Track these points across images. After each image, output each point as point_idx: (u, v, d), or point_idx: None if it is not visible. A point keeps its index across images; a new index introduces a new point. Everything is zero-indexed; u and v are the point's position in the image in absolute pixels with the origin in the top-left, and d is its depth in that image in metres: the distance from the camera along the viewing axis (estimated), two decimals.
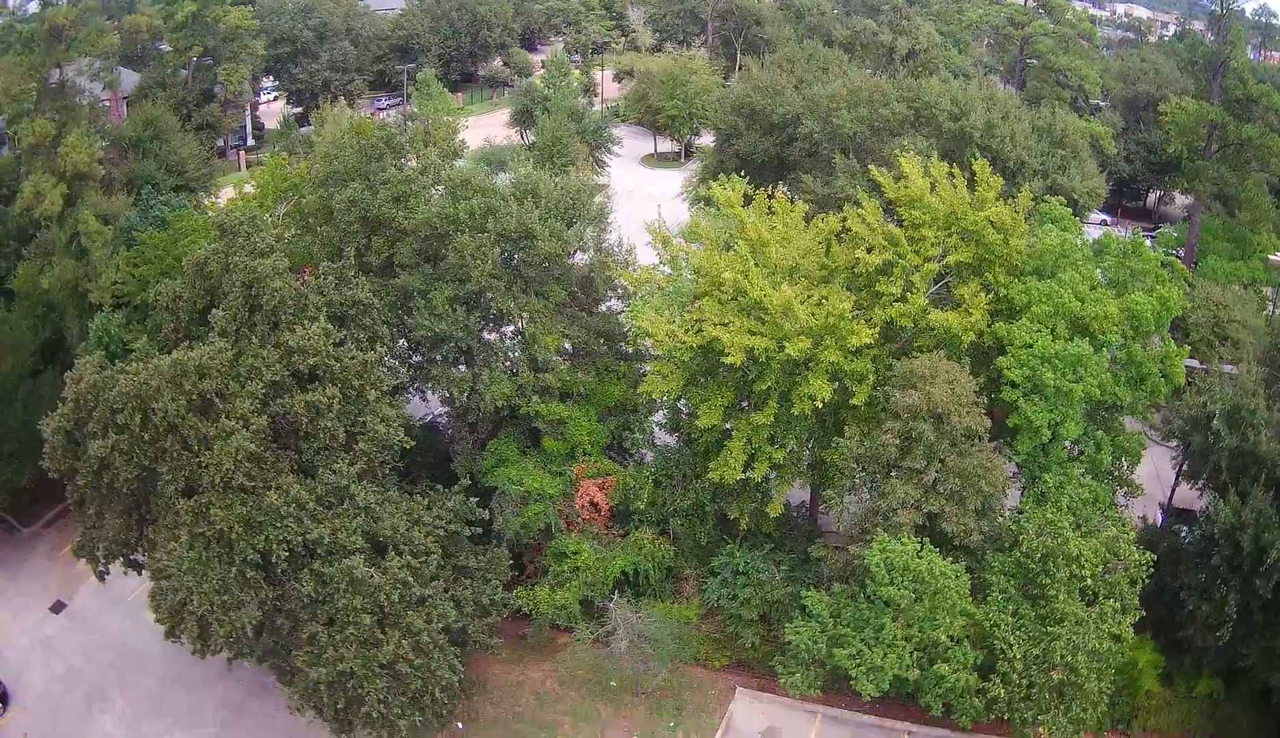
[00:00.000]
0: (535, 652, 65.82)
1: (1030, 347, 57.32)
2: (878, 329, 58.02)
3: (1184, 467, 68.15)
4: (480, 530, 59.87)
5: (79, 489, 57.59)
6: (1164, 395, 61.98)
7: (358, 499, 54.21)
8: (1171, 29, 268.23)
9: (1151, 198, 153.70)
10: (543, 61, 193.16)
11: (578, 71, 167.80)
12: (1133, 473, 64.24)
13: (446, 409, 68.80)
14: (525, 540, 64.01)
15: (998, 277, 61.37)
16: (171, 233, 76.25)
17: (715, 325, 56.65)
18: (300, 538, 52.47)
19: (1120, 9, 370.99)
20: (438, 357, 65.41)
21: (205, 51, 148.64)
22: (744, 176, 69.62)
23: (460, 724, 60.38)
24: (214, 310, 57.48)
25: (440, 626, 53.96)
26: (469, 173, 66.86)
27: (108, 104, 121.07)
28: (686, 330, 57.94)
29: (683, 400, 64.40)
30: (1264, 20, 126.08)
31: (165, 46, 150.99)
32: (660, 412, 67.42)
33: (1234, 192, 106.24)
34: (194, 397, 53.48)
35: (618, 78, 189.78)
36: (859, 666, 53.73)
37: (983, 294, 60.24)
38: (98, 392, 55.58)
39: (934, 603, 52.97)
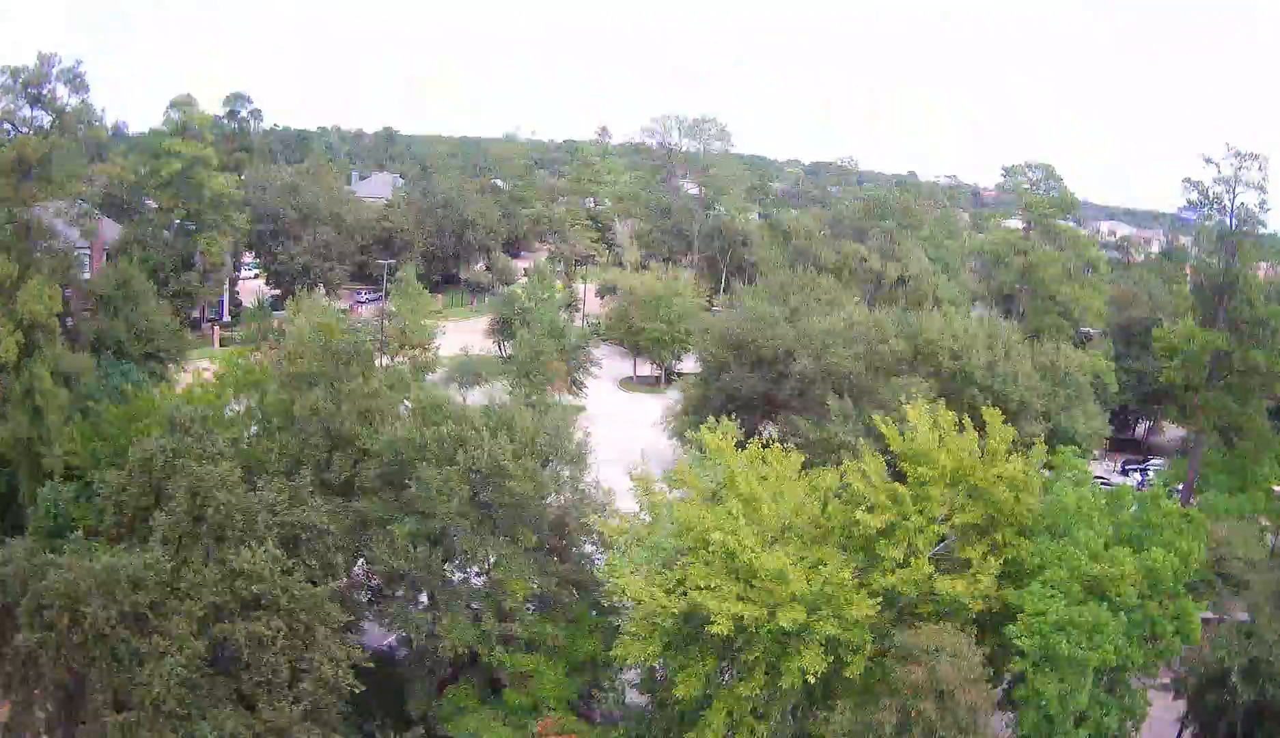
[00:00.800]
0: None
1: (1042, 614, 52.73)
2: (878, 600, 53.29)
3: (1192, 725, 63.25)
4: None
5: (5, 673, 52.31)
6: (1178, 652, 57.55)
7: None
8: (1155, 246, 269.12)
9: (1141, 428, 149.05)
10: (525, 269, 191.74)
11: (560, 283, 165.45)
12: (1137, 733, 58.84)
13: (403, 648, 63.12)
14: None
15: (1007, 536, 57.32)
16: (129, 410, 71.65)
17: (700, 589, 51.93)
18: None
19: (1104, 226, 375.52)
20: (396, 593, 60.11)
21: (188, 215, 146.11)
22: (732, 416, 65.35)
23: None
24: (157, 512, 52.76)
25: None
26: (439, 396, 62.96)
27: (87, 253, 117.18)
28: (668, 592, 53.03)
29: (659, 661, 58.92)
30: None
31: (151, 202, 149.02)
32: (633, 669, 61.98)
33: (1237, 421, 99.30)
34: (126, 608, 48.67)
35: (600, 293, 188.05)
36: None
37: (992, 558, 55.83)
38: (24, 581, 50.99)
39: None
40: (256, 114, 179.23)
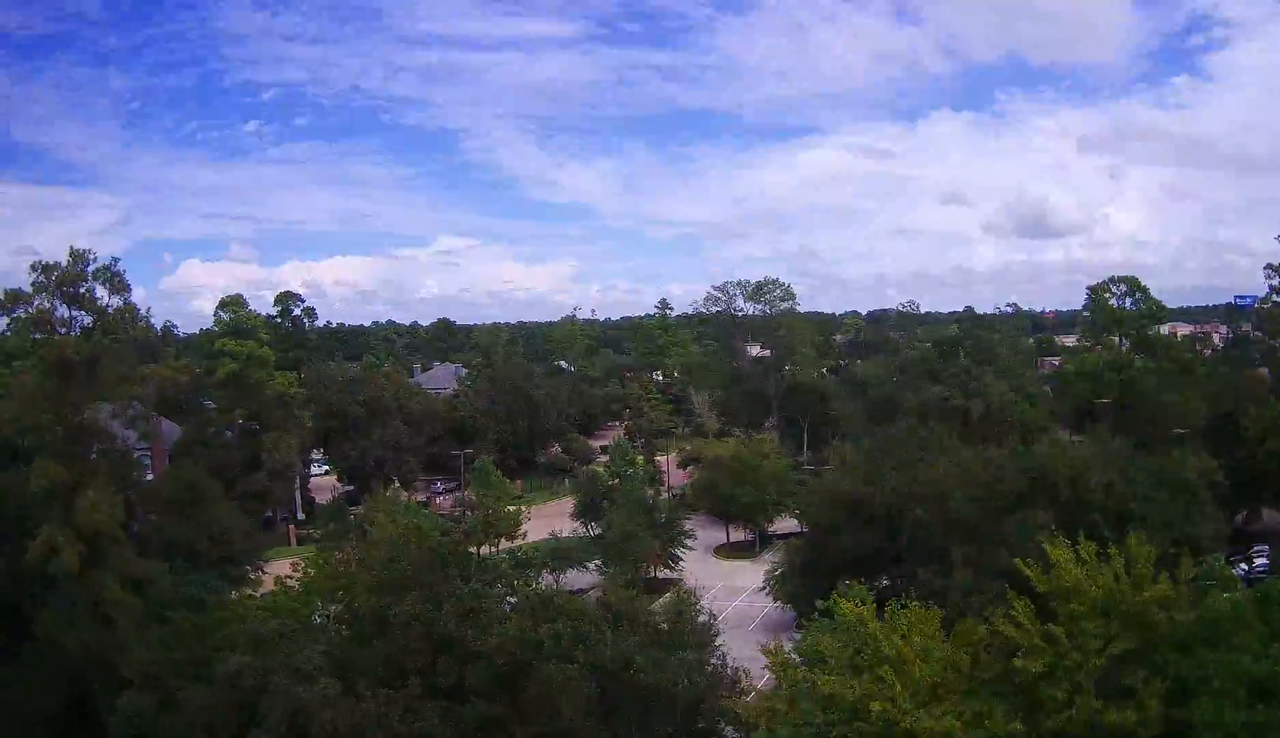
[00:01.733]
0: None
1: (1220, 724, 47.57)
2: None
3: None
4: None
5: None
6: None
7: None
8: (1216, 338, 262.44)
9: (1238, 518, 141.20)
10: (602, 447, 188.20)
11: (641, 458, 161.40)
12: None
13: None
14: None
15: (1166, 655, 51.76)
16: (208, 619, 67.70)
17: None
18: None
19: (1164, 330, 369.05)
20: None
21: (250, 415, 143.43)
22: (848, 577, 60.65)
23: None
24: (253, 730, 48.87)
25: None
26: (550, 592, 58.63)
27: (148, 456, 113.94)
28: None
29: None
30: None
31: (209, 403, 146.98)
32: None
33: None
34: None
35: (682, 465, 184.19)
36: None
37: (1155, 680, 50.51)
38: None
39: None
40: (310, 313, 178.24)
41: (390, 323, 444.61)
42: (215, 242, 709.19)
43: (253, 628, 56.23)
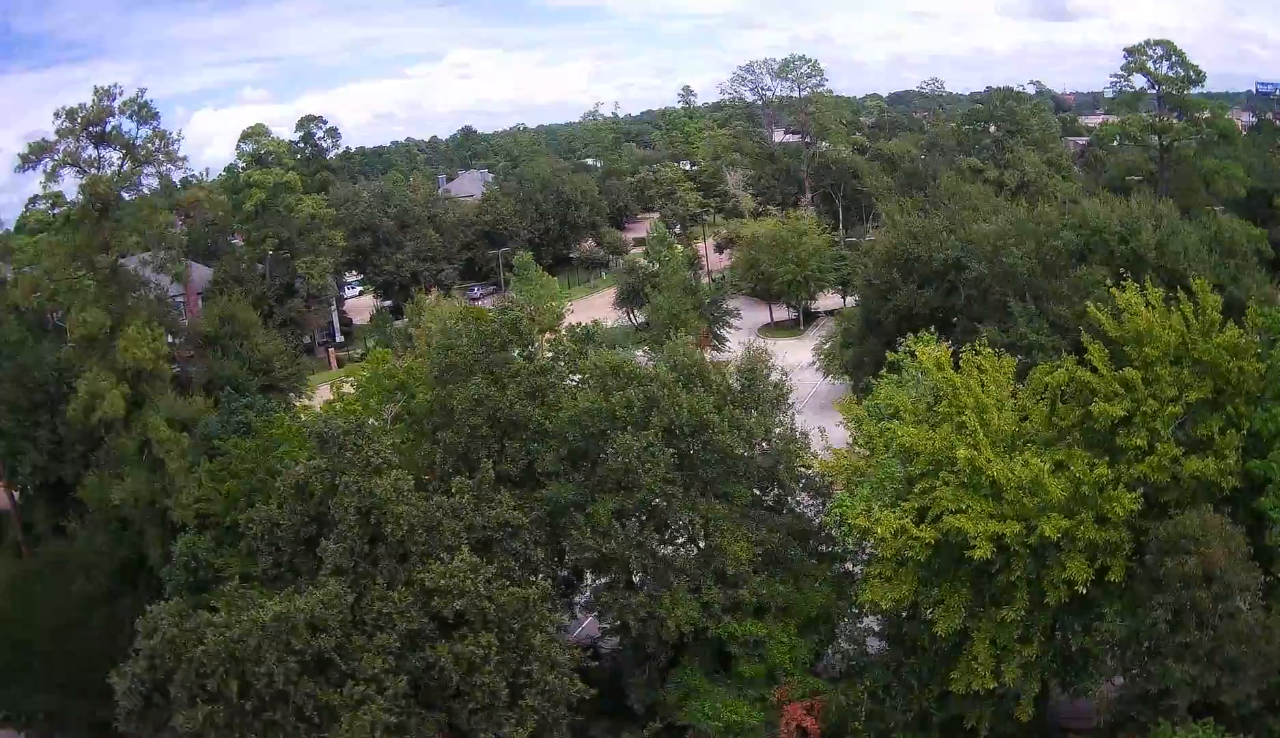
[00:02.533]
0: None
1: None
2: (1139, 494, 47.16)
3: None
4: None
5: None
6: None
7: None
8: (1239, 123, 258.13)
9: None
10: (636, 239, 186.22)
11: (679, 245, 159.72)
12: None
13: (616, 638, 57.90)
14: None
15: (1239, 408, 50.44)
16: (260, 442, 65.01)
17: (953, 513, 46.15)
18: None
19: None
20: (605, 580, 54.74)
21: (281, 244, 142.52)
22: (918, 333, 59.34)
23: None
24: (323, 541, 47.59)
25: None
26: (619, 359, 57.27)
27: (181, 300, 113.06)
28: (917, 522, 47.36)
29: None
30: None
31: (238, 240, 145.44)
32: (870, 616, 56.40)
33: None
34: (308, 657, 43.28)
35: (720, 247, 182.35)
36: None
37: (1231, 431, 49.41)
38: (178, 650, 44.54)
39: None
40: (333, 133, 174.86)
41: (410, 141, 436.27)
42: (226, 89, 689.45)
43: (316, 427, 54.18)
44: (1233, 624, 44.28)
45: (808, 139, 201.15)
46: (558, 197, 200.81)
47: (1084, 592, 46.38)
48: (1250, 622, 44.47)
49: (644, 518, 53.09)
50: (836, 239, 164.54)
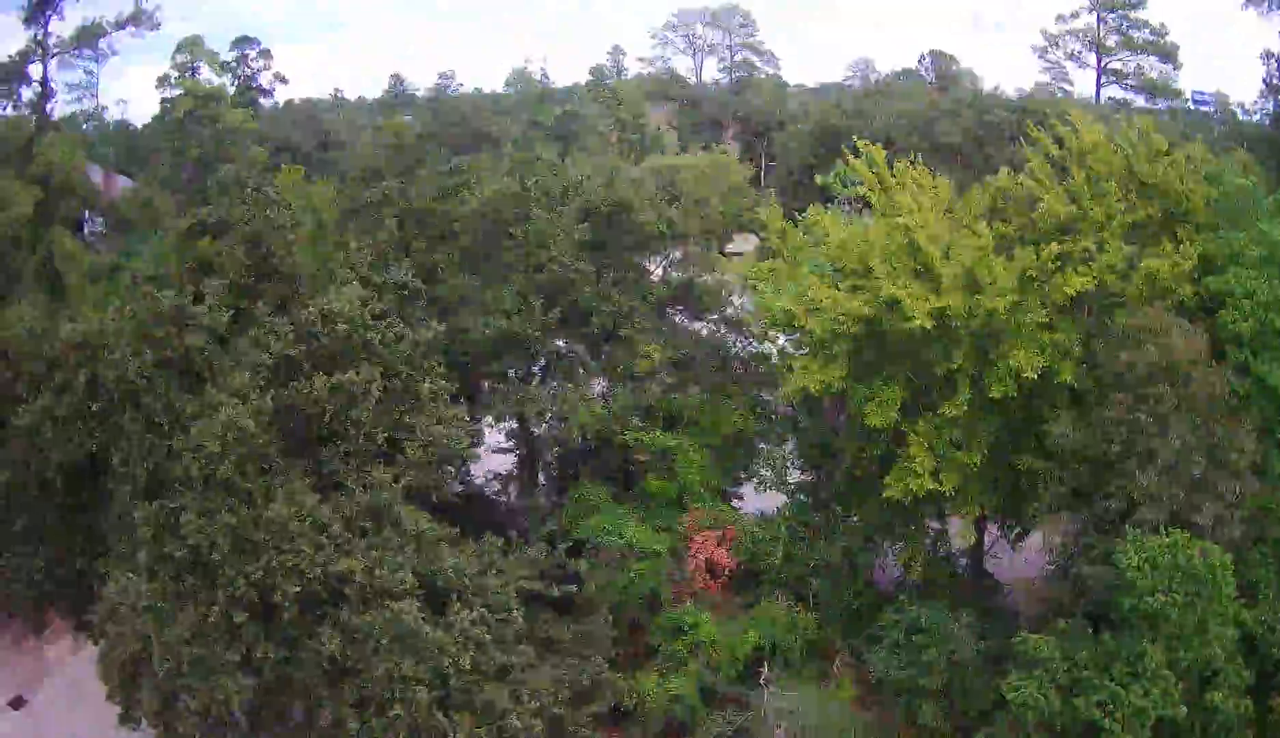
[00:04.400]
0: None
1: (1252, 295, 43.56)
2: (1092, 277, 43.48)
3: None
4: (570, 592, 43.57)
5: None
6: None
7: (406, 525, 38.16)
8: None
9: None
10: None
11: None
12: None
13: (512, 448, 53.05)
14: (623, 614, 47.26)
15: (1188, 234, 46.91)
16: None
17: (891, 284, 42.26)
18: (319, 572, 35.86)
19: None
20: (504, 370, 49.74)
21: (203, 154, 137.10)
22: None
23: None
24: (206, 279, 42.32)
25: (534, 707, 37.58)
26: (535, 154, 52.97)
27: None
28: (850, 297, 43.38)
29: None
30: None
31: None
32: (790, 442, 52.21)
33: None
34: (169, 352, 38.67)
35: None
36: (1112, 714, 37.95)
37: (1188, 244, 45.76)
38: (37, 342, 40.73)
39: (1206, 610, 38.33)
40: (266, 54, 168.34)
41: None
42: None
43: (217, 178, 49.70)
44: (1200, 435, 40.50)
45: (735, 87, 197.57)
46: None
47: (1032, 381, 42.60)
48: (1219, 433, 40.74)
49: (549, 301, 48.26)
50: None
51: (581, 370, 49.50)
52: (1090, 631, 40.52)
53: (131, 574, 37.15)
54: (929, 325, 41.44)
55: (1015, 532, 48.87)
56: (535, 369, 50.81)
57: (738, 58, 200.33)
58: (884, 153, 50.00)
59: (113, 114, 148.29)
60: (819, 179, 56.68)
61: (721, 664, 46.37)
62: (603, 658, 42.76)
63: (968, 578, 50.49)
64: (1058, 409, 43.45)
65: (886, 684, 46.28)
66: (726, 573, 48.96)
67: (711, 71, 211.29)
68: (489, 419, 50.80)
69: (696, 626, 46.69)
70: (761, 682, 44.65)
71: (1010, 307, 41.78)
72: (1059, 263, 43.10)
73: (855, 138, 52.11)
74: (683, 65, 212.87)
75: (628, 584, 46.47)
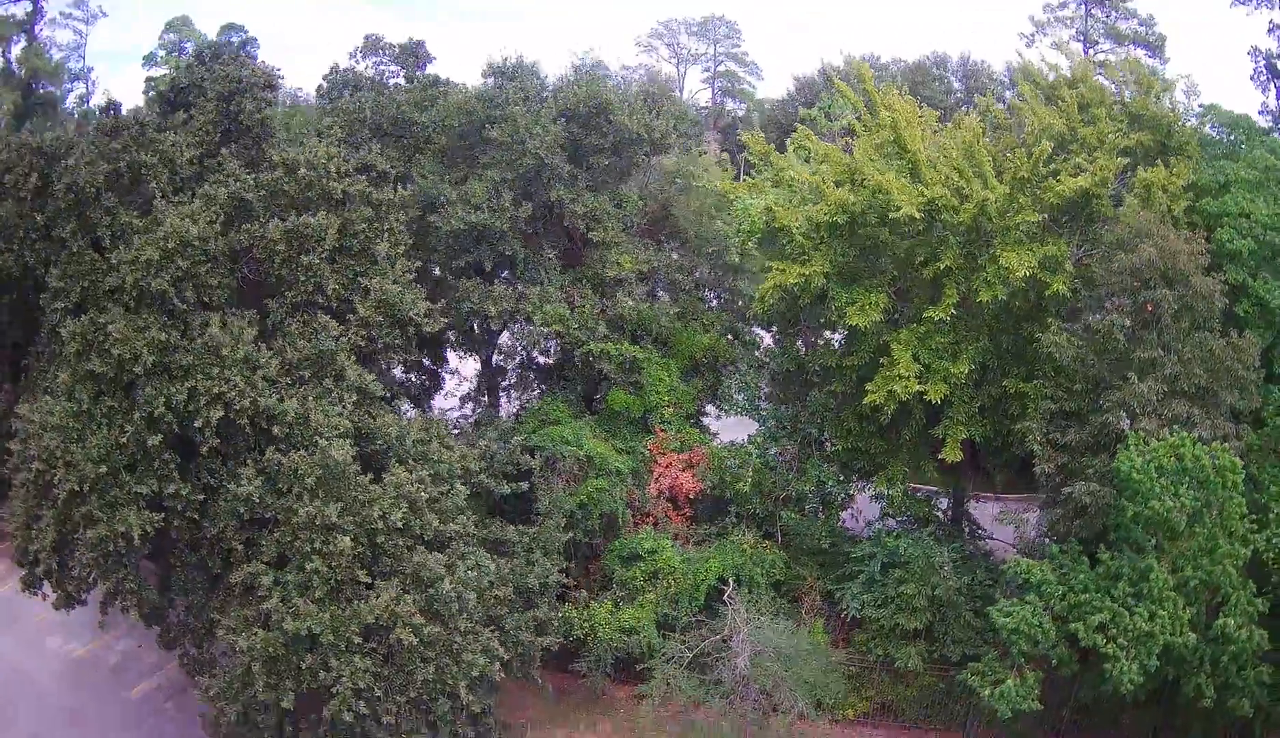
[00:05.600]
0: (584, 708, 45.07)
1: (1249, 215, 41.97)
2: (1095, 176, 40.76)
3: None
4: (520, 490, 40.81)
5: None
6: None
7: (349, 377, 35.50)
8: None
9: None
10: None
11: None
12: None
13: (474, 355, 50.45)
14: (577, 536, 44.10)
15: (1180, 165, 43.94)
16: None
17: (878, 174, 39.95)
18: (248, 404, 33.33)
19: None
20: (466, 263, 46.63)
21: None
22: None
23: None
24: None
25: (471, 582, 34.43)
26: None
27: None
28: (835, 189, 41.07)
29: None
30: None
31: None
32: (766, 364, 49.46)
33: None
34: (121, 167, 36.79)
35: None
36: (1115, 640, 34.92)
37: (1181, 165, 43.20)
38: None
39: (1215, 525, 35.44)
40: (252, 42, 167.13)
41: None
42: None
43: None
44: (1200, 344, 38.22)
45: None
46: None
47: (1022, 297, 40.93)
48: (1220, 342, 38.39)
49: (521, 196, 45.78)
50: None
51: (548, 279, 46.60)
52: (1087, 560, 37.70)
53: (46, 399, 34.64)
54: (917, 215, 39.21)
55: (1003, 460, 46.22)
56: (503, 274, 48.23)
57: (720, 68, 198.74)
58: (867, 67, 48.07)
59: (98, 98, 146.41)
60: (801, 112, 54.18)
61: (681, 596, 43.34)
62: (551, 564, 39.86)
63: (947, 524, 47.58)
64: (1049, 320, 40.92)
65: (863, 626, 43.64)
66: (691, 499, 46.19)
67: (695, 80, 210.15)
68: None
69: (656, 552, 43.87)
70: (725, 600, 41.24)
71: (1001, 202, 39.59)
72: (1051, 167, 41.04)
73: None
74: (666, 73, 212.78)
75: (584, 501, 43.48)
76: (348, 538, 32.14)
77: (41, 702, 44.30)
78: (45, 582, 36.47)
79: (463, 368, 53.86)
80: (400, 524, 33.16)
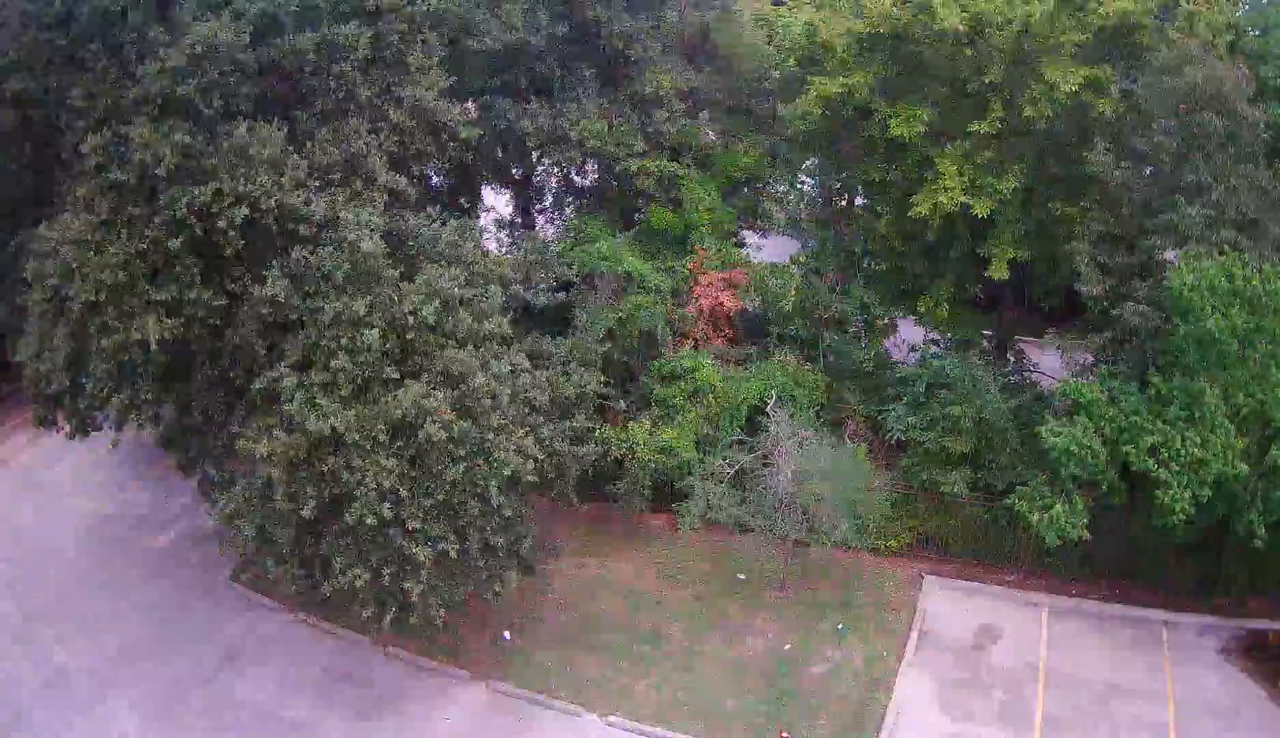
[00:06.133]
0: (621, 540, 44.93)
1: None
2: (1139, 1, 39.19)
3: None
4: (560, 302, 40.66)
5: None
6: None
7: (380, 179, 34.68)
8: None
9: None
10: None
11: None
12: None
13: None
14: (615, 355, 43.51)
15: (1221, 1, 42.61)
16: None
17: None
18: (274, 204, 32.43)
19: None
20: (502, 83, 45.68)
21: None
22: None
23: (507, 633, 40.02)
24: None
25: (506, 385, 33.49)
26: None
27: None
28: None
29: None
30: None
31: None
32: (807, 181, 48.33)
33: None
34: None
35: None
36: (1167, 464, 34.11)
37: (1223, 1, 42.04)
38: None
39: (1267, 352, 34.42)
40: None
41: None
42: None
43: None
44: (1247, 174, 37.20)
45: None
46: None
47: (1068, 114, 39.61)
48: (1266, 174, 37.56)
49: (556, 14, 44.92)
50: None
51: (585, 97, 45.52)
52: (1136, 385, 36.93)
53: (67, 216, 33.93)
54: (963, 26, 38.08)
55: (1050, 286, 44.93)
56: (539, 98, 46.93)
57: None
58: None
59: None
60: None
61: (722, 416, 42.74)
62: (592, 378, 39.15)
63: (991, 353, 46.55)
64: (1095, 140, 39.73)
65: (907, 451, 42.92)
66: (731, 320, 45.56)
67: None
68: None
69: (696, 370, 43.27)
70: (767, 412, 40.52)
71: (1047, 17, 38.09)
72: None
73: None
74: None
75: (623, 318, 42.86)
76: (375, 331, 31.39)
77: (62, 562, 44.34)
78: (59, 410, 36.32)
79: (498, 205, 53.09)
80: (432, 321, 32.38)
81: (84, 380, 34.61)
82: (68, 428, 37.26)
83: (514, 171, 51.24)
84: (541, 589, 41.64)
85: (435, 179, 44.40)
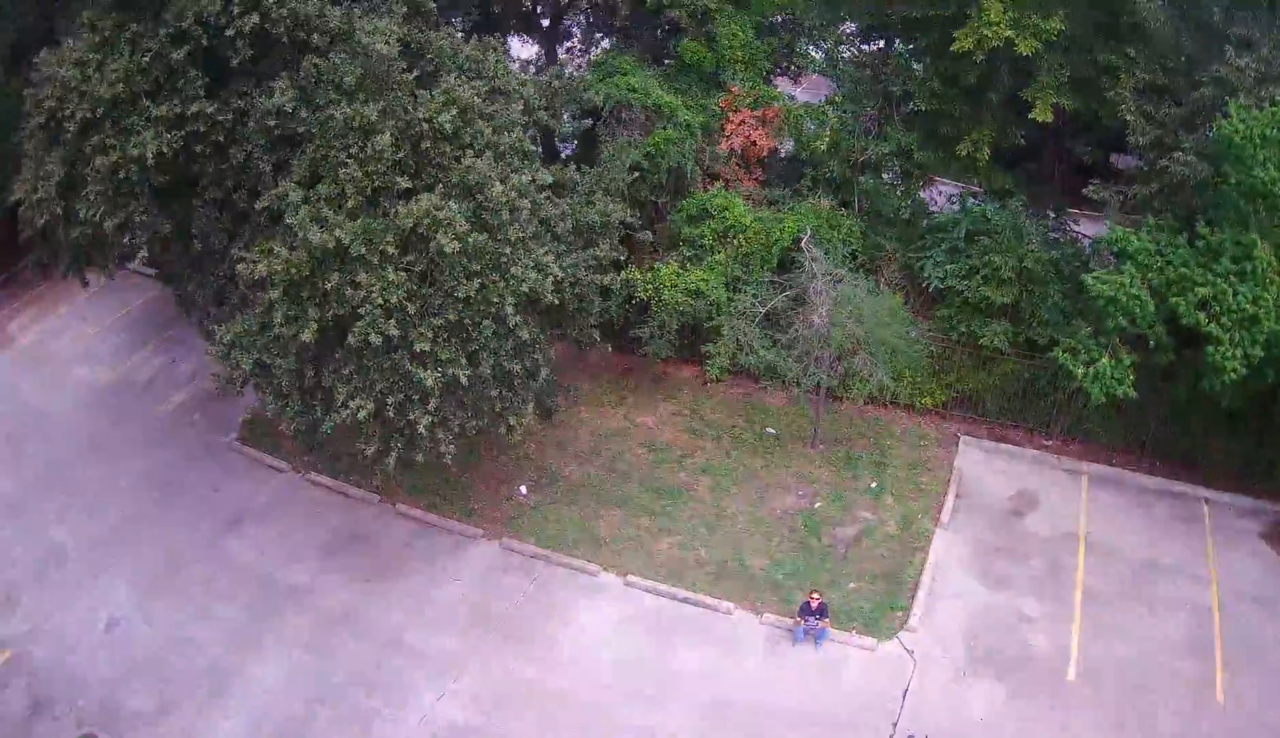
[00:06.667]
0: (646, 391, 43.13)
1: None
2: None
3: None
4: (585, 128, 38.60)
5: None
6: None
7: None
8: None
9: None
10: None
11: None
12: None
13: None
14: (643, 194, 41.12)
15: None
16: None
17: None
18: (287, 13, 30.35)
19: None
20: None
21: None
22: None
23: (523, 488, 38.30)
24: None
25: (527, 196, 31.30)
26: None
27: None
28: None
29: None
30: None
31: None
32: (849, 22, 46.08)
33: None
34: None
35: None
36: (1217, 319, 32.42)
37: None
38: None
39: None
40: None
41: None
42: None
43: None
44: None
45: None
46: None
47: None
48: None
49: None
50: None
51: None
52: (1185, 237, 34.84)
53: (73, 41, 31.89)
54: None
55: (1095, 138, 43.28)
56: None
57: None
58: None
59: None
60: None
61: (753, 257, 40.58)
62: (616, 209, 36.52)
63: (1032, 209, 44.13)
64: None
65: (945, 301, 40.79)
66: (763, 161, 43.40)
67: None
68: None
69: (727, 209, 40.96)
70: (802, 247, 38.49)
71: None
72: None
73: None
74: None
75: (651, 152, 40.56)
76: (387, 136, 29.27)
77: (60, 430, 42.45)
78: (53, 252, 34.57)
79: (524, 56, 50.89)
80: (450, 130, 30.18)
81: (79, 209, 32.46)
82: (61, 268, 35.44)
83: (540, 19, 48.80)
84: (560, 443, 40.04)
85: (460, 32, 41.59)
